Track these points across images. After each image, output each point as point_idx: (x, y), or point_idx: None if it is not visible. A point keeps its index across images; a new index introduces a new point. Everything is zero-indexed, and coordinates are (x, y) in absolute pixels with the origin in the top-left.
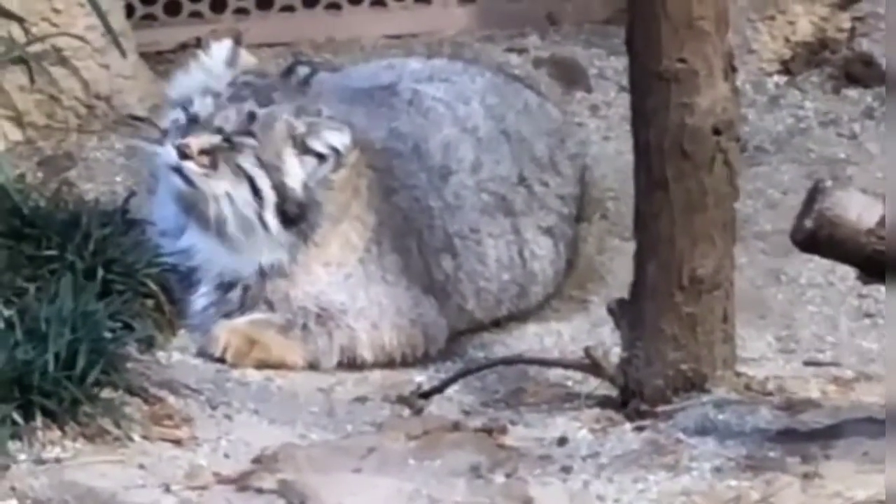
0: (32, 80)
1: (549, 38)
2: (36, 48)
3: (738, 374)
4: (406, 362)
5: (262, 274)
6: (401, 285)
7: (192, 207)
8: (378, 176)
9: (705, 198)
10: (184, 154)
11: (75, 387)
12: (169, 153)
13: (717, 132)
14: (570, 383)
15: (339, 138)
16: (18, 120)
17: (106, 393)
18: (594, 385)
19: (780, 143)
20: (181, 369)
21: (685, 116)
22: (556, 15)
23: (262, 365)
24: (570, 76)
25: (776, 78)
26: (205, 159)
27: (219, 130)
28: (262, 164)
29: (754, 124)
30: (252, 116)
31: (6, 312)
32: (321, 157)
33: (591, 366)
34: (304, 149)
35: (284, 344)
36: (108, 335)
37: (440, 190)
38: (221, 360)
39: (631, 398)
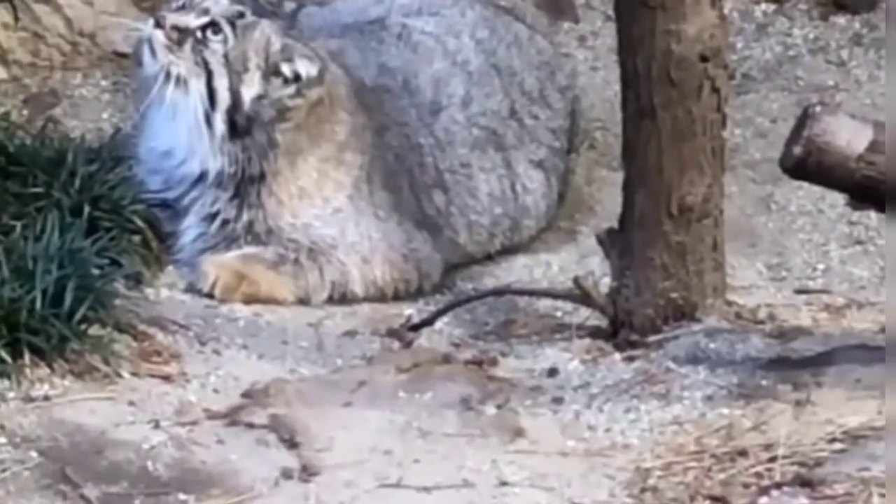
0: (17, 18)
1: None
2: None
3: (729, 303)
4: (399, 297)
5: (215, 185)
6: (392, 221)
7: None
8: (370, 114)
9: (693, 125)
10: (157, 23)
11: (63, 324)
12: (147, 24)
13: (704, 59)
14: (559, 314)
15: (307, 67)
16: (3, 58)
17: (94, 330)
18: (584, 315)
19: (769, 71)
20: (169, 305)
21: (672, 44)
22: None
23: (251, 300)
24: (557, 7)
25: (764, 6)
26: (174, 35)
27: (204, 12)
28: (227, 63)
29: (742, 52)
30: (240, 15)
31: None
32: (286, 82)
33: (581, 296)
34: (272, 69)
35: (274, 279)
36: (95, 272)
37: (431, 126)
38: (210, 296)
39: (621, 328)
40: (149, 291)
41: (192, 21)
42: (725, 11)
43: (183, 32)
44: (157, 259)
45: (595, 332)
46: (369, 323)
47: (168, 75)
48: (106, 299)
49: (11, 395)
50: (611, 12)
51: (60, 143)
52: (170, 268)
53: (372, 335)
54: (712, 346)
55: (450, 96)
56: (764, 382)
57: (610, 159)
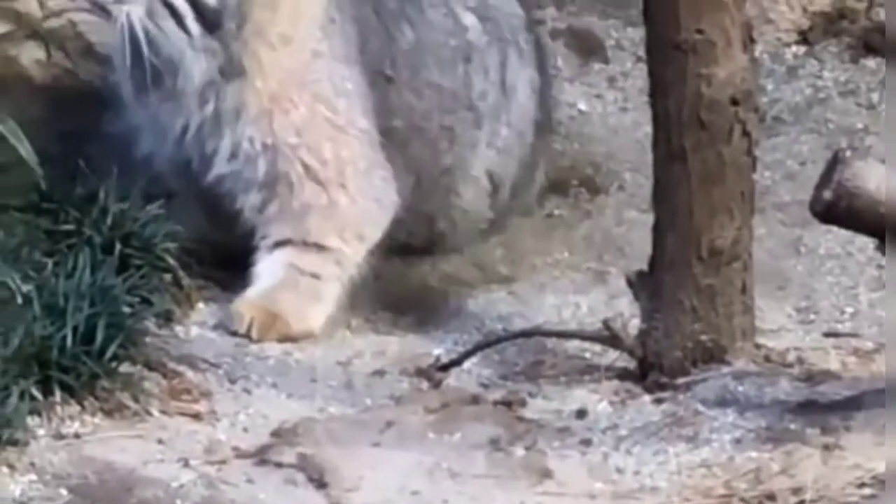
0: (49, 55)
1: (565, 10)
2: (52, 23)
3: (758, 346)
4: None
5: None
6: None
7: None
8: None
9: (724, 169)
10: None
11: (94, 362)
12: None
13: (734, 103)
14: (588, 355)
15: None
16: (35, 94)
17: (124, 368)
18: (613, 357)
19: (799, 114)
20: (200, 343)
21: (703, 87)
22: None
23: (284, 339)
24: (588, 47)
25: (794, 48)
26: None
27: None
28: None
29: (772, 95)
30: None
31: (24, 288)
32: None
33: (610, 338)
34: None
35: (301, 308)
36: (126, 310)
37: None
38: (246, 336)
39: (650, 370)
40: (179, 329)
41: None
42: (756, 54)
43: None
44: (187, 297)
45: (624, 374)
46: (398, 362)
47: (132, 26)
48: (136, 337)
49: (42, 432)
50: (641, 53)
51: (93, 180)
52: (200, 305)
53: (401, 375)
54: (741, 388)
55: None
56: (792, 426)
57: (639, 201)
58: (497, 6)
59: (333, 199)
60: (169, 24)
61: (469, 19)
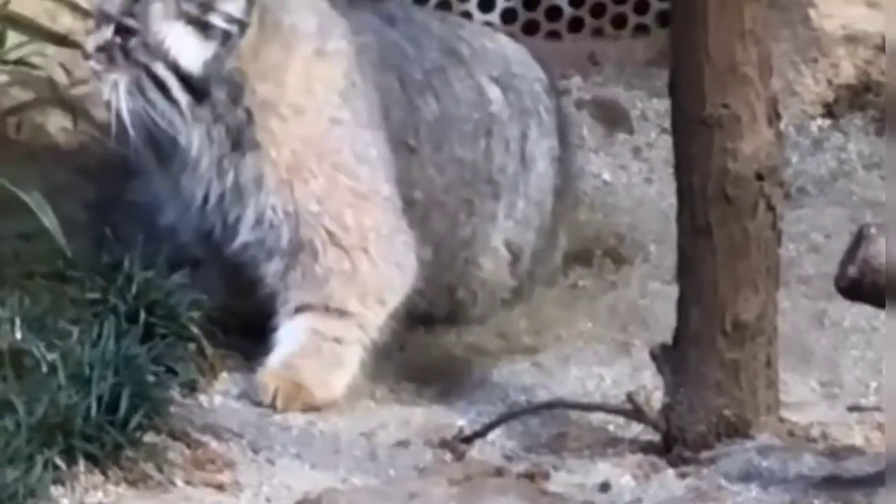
0: (75, 123)
1: (591, 80)
2: (79, 91)
3: (782, 420)
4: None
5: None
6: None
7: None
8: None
9: (748, 243)
10: (85, 55)
11: (118, 431)
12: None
13: (760, 178)
14: (612, 428)
15: (234, 4)
16: (62, 162)
17: (149, 437)
18: (637, 430)
19: (823, 186)
20: (223, 413)
21: (728, 162)
22: (599, 56)
23: (308, 409)
24: (613, 118)
25: (819, 121)
26: (102, 56)
27: (108, 19)
28: (150, 50)
29: (797, 167)
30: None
31: (49, 356)
32: (227, 35)
33: (634, 411)
34: (202, 26)
35: (323, 376)
36: (150, 379)
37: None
38: (270, 406)
39: (674, 444)
40: (203, 399)
41: (109, 34)
42: (781, 126)
43: (108, 49)
44: (211, 366)
45: (647, 448)
46: (422, 433)
47: (117, 91)
48: (161, 407)
49: (65, 502)
50: (666, 124)
51: (118, 249)
52: (224, 374)
53: (424, 445)
54: (765, 463)
55: None
56: (816, 501)
57: (664, 272)
58: (520, 73)
59: (356, 264)
60: (155, 95)
61: (493, 92)
